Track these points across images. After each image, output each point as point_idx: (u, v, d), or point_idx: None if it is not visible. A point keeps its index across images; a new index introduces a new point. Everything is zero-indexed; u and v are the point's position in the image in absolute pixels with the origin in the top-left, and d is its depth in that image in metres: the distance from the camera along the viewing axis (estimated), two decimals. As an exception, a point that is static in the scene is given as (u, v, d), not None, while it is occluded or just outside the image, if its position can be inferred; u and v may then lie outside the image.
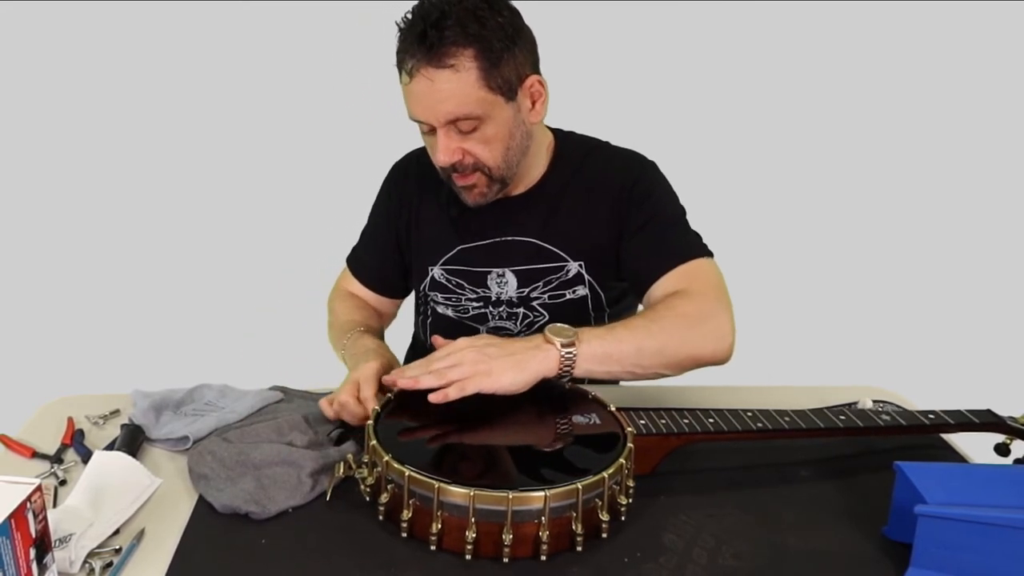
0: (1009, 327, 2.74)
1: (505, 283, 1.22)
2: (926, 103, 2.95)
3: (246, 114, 2.87)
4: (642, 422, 0.96)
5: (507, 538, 0.80)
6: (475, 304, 1.25)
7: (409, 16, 1.03)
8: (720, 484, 0.98)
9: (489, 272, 1.22)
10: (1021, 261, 2.87)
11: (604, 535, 0.85)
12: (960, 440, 1.11)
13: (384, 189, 1.33)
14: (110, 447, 1.00)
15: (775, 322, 2.42)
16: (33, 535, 0.72)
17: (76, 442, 1.03)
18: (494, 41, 1.02)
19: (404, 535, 0.83)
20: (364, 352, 1.11)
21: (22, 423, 1.10)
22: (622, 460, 0.86)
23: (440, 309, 1.28)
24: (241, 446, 0.95)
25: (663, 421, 0.97)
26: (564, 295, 1.22)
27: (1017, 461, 1.03)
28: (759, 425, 0.98)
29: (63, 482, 0.95)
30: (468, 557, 0.81)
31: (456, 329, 1.27)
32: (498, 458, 0.89)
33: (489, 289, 1.23)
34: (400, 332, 1.42)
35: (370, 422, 0.91)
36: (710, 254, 1.14)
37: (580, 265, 1.20)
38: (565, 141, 1.23)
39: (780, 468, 1.02)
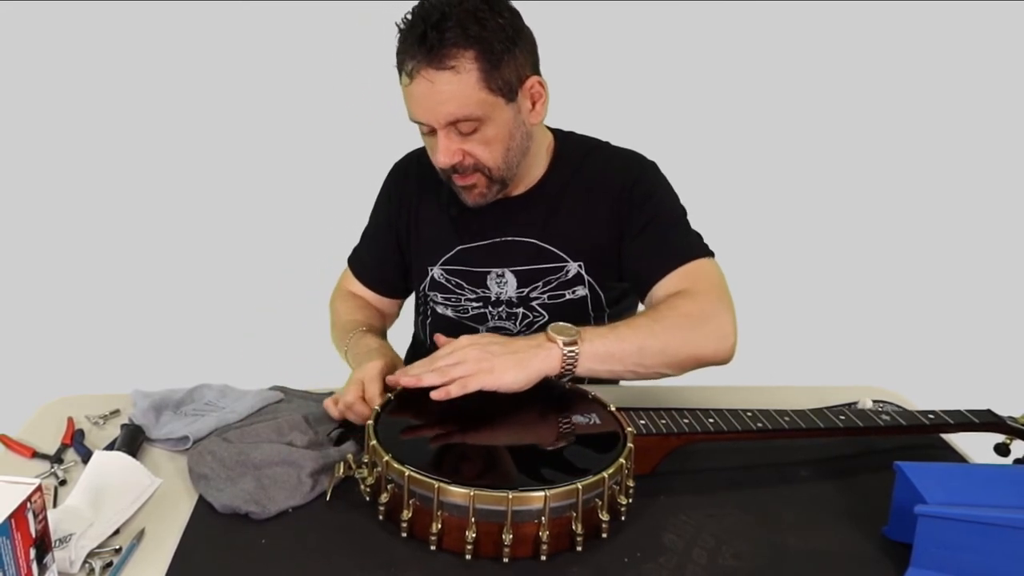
0: (1009, 327, 2.74)
1: (505, 283, 1.22)
2: (926, 103, 2.95)
3: (246, 114, 2.87)
4: (642, 422, 0.96)
5: (507, 538, 0.80)
6: (474, 304, 1.25)
7: (409, 17, 1.03)
8: (720, 484, 0.98)
9: (489, 272, 1.22)
10: (1021, 261, 2.87)
11: (604, 535, 0.85)
12: (960, 440, 1.11)
13: (384, 189, 1.33)
14: (110, 447, 1.00)
15: (775, 322, 2.42)
16: (33, 535, 0.72)
17: (76, 442, 1.03)
18: (494, 43, 1.02)
19: (404, 535, 0.83)
20: (367, 352, 1.11)
21: (22, 423, 1.10)
22: (622, 460, 0.86)
23: (440, 309, 1.28)
24: (241, 446, 0.95)
25: (663, 421, 0.97)
26: (564, 295, 1.22)
27: (1017, 461, 1.03)
28: (759, 425, 0.98)
29: (63, 482, 0.95)
30: (468, 557, 0.81)
31: (456, 329, 1.26)
32: (498, 458, 0.89)
33: (488, 289, 1.23)
34: (401, 332, 1.42)
35: (370, 422, 0.91)
36: (711, 254, 1.14)
37: (580, 265, 1.20)
38: (565, 141, 1.23)
39: (780, 468, 1.02)
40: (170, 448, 1.02)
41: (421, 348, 1.41)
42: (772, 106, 2.96)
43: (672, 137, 2.25)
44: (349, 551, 0.82)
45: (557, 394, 1.01)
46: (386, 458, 0.84)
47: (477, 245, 1.22)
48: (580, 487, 0.81)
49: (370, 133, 2.22)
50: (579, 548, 0.82)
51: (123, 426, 1.04)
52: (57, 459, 1.00)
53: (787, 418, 1.00)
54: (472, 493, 0.80)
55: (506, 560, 0.81)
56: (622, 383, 1.23)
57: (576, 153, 1.22)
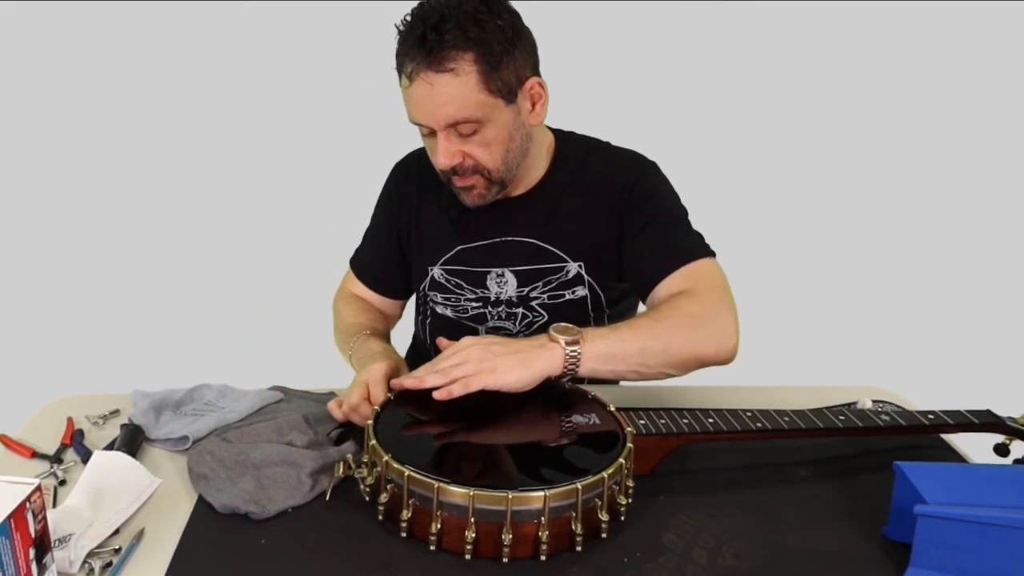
0: (1009, 327, 2.74)
1: (505, 283, 1.22)
2: (926, 103, 2.95)
3: (247, 115, 2.87)
4: (642, 422, 0.96)
5: (507, 538, 0.80)
6: (474, 304, 1.25)
7: (408, 19, 1.03)
8: (720, 484, 0.98)
9: (489, 272, 1.22)
10: (1021, 261, 2.87)
11: (604, 535, 0.85)
12: (960, 440, 1.11)
13: (385, 190, 1.33)
14: (110, 447, 1.00)
15: (775, 322, 2.41)
16: (32, 535, 0.72)
17: (76, 442, 1.03)
18: (494, 44, 1.02)
19: (404, 535, 0.83)
20: (371, 355, 1.11)
21: (22, 423, 1.10)
22: (622, 460, 0.86)
23: (439, 309, 1.28)
24: (241, 446, 0.95)
25: (663, 421, 0.97)
26: (564, 295, 1.22)
27: (1017, 461, 1.03)
28: (759, 425, 0.98)
29: (63, 482, 0.96)
30: (468, 557, 0.81)
31: (455, 329, 1.27)
32: (497, 458, 0.89)
33: (488, 289, 1.23)
34: (401, 333, 1.42)
35: (370, 422, 0.91)
36: (713, 254, 1.14)
37: (580, 266, 1.20)
38: (565, 142, 1.23)
39: (780, 468, 1.02)
40: (170, 448, 1.02)
41: (421, 348, 1.41)
42: (772, 106, 2.96)
43: (672, 137, 2.25)
44: (349, 551, 0.82)
45: (556, 394, 1.01)
46: (386, 458, 0.84)
47: (477, 245, 1.22)
48: (580, 487, 0.81)
49: (371, 133, 2.22)
50: (579, 548, 0.82)
51: (123, 426, 1.04)
52: (57, 459, 1.00)
53: (787, 418, 1.00)
54: (472, 493, 0.80)
55: (506, 560, 0.81)
56: (621, 383, 1.23)
57: (576, 153, 1.22)
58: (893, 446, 1.08)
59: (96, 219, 2.88)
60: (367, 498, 0.89)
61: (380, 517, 0.86)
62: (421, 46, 1.00)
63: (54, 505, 0.91)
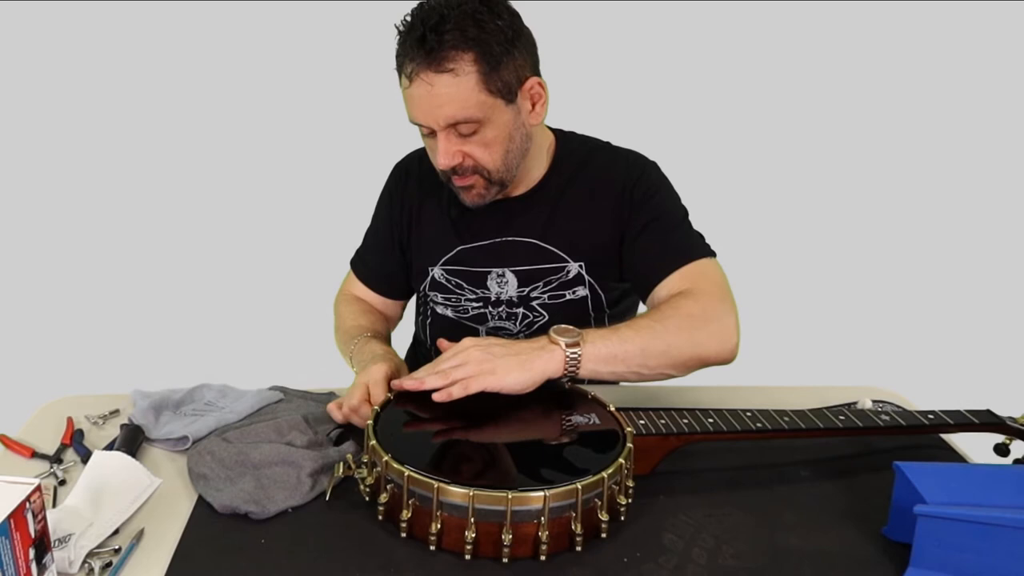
0: (1009, 327, 2.74)
1: (505, 283, 1.22)
2: (925, 103, 2.95)
3: (247, 115, 2.87)
4: (641, 422, 0.96)
5: (507, 538, 0.80)
6: (474, 304, 1.25)
7: (408, 19, 1.03)
8: (720, 484, 0.98)
9: (489, 272, 1.22)
10: (1021, 261, 2.87)
11: (604, 535, 0.85)
12: (960, 440, 1.11)
13: (386, 190, 1.33)
14: (110, 447, 1.00)
15: (775, 322, 2.41)
16: (32, 535, 0.72)
17: (76, 442, 1.03)
18: (493, 45, 1.02)
19: (403, 535, 0.83)
20: (372, 357, 1.11)
21: (22, 423, 1.10)
22: (621, 460, 0.86)
23: (439, 309, 1.28)
24: (241, 446, 0.95)
25: (662, 421, 0.97)
26: (564, 295, 1.22)
27: (1017, 461, 1.03)
28: (759, 425, 0.98)
29: (63, 482, 0.96)
30: (468, 557, 0.81)
31: (456, 329, 1.27)
32: (497, 458, 0.89)
33: (488, 289, 1.23)
34: (401, 333, 1.42)
35: (369, 422, 0.91)
36: (713, 254, 1.14)
37: (580, 266, 1.20)
38: (566, 142, 1.23)
39: (780, 468, 1.02)
40: (170, 448, 1.02)
41: (421, 349, 1.41)
42: (772, 107, 2.96)
43: (673, 137, 2.25)
44: (349, 551, 0.82)
45: (556, 394, 1.01)
46: (385, 458, 0.84)
47: (477, 245, 1.22)
48: (580, 487, 0.81)
49: (371, 133, 2.22)
50: (579, 548, 0.82)
51: (123, 426, 1.04)
52: (56, 459, 1.00)
53: (787, 418, 1.00)
54: (471, 493, 0.80)
55: (506, 560, 0.81)
56: (621, 383, 1.23)
57: (577, 153, 1.22)
58: (893, 446, 1.08)
59: (96, 219, 2.88)
60: (367, 498, 0.89)
61: (380, 517, 0.86)
62: (421, 46, 1.00)
63: (54, 505, 0.91)
